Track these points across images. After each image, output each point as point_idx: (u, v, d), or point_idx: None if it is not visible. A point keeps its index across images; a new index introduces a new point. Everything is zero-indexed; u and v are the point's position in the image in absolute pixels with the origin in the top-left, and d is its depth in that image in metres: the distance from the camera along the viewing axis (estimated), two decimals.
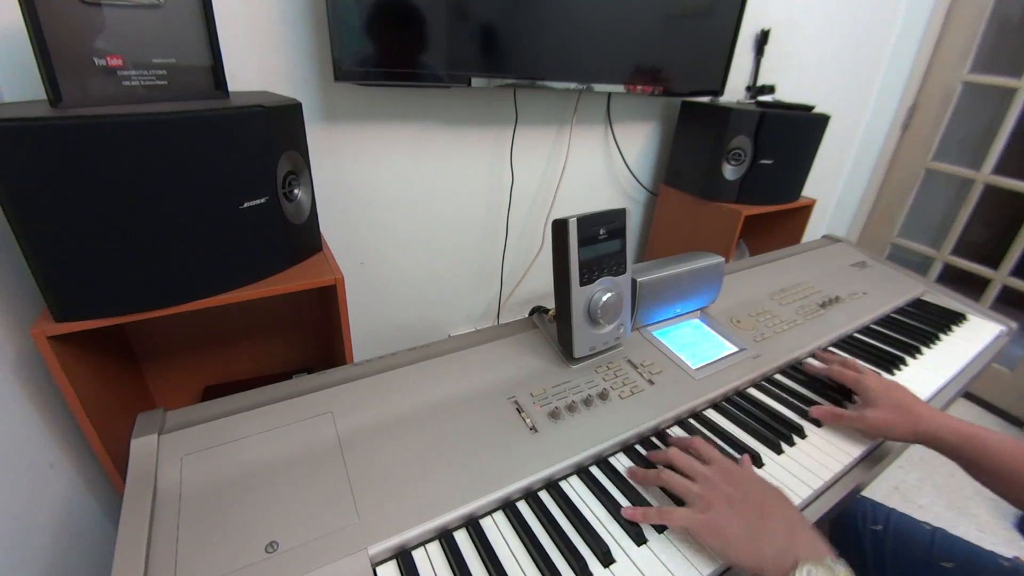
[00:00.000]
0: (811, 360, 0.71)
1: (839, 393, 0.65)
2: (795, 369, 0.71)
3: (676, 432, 0.58)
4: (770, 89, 1.46)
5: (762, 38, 1.46)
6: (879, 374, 0.64)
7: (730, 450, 0.55)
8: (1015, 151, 1.70)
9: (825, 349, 0.76)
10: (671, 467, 0.49)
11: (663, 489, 0.49)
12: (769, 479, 0.52)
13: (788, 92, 1.59)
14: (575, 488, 0.50)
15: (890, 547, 0.65)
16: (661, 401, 0.60)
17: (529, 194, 1.31)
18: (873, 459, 0.58)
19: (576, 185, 1.37)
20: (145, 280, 0.60)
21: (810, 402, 0.63)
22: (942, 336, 0.82)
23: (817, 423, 0.61)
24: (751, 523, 0.41)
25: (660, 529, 0.46)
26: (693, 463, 0.48)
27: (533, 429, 0.54)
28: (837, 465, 0.55)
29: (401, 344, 0.67)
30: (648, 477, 0.49)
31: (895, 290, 0.94)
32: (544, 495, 0.49)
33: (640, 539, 0.45)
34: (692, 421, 0.60)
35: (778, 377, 0.69)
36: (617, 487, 0.50)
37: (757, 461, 0.54)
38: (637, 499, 0.49)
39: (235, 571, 0.38)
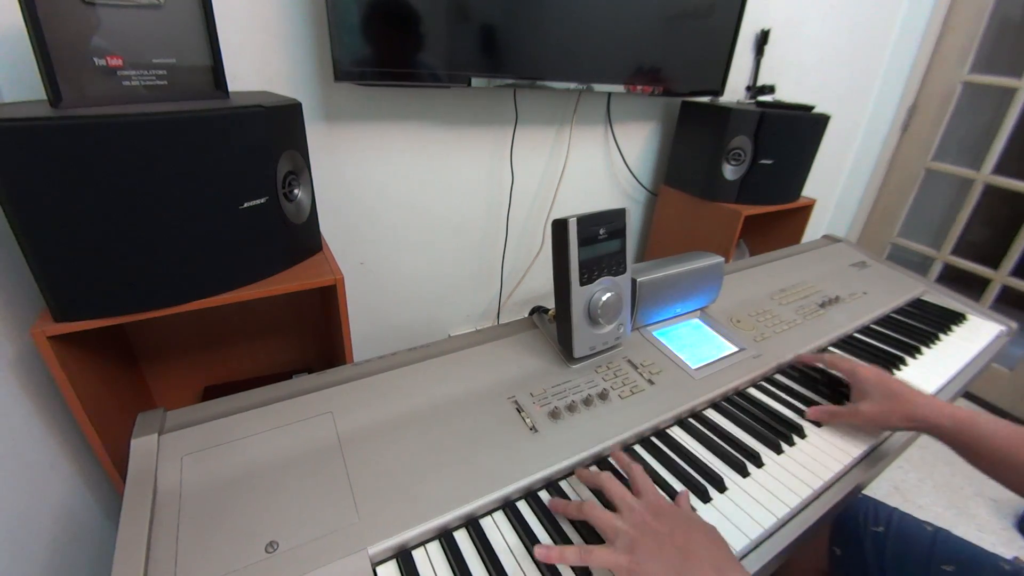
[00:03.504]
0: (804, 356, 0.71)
1: (837, 394, 0.65)
2: (795, 369, 0.71)
3: (676, 433, 0.58)
4: (770, 89, 1.46)
5: (762, 38, 1.46)
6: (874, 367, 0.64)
7: (732, 451, 0.56)
8: (1015, 151, 1.70)
9: (824, 350, 0.76)
10: (602, 491, 0.46)
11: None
12: (769, 479, 0.52)
13: (788, 92, 1.59)
14: (575, 488, 0.50)
15: (891, 549, 0.65)
16: (661, 401, 0.60)
17: (529, 194, 1.31)
18: (873, 459, 0.58)
19: (576, 185, 1.37)
20: (145, 280, 0.60)
21: (810, 402, 0.64)
22: (942, 336, 0.82)
23: (816, 424, 0.61)
24: (677, 569, 0.38)
25: None
26: (625, 494, 0.44)
27: (533, 429, 0.54)
28: (837, 465, 0.55)
29: (401, 344, 0.67)
30: (569, 509, 0.45)
31: (895, 290, 0.94)
32: (544, 495, 0.49)
33: None
34: (692, 421, 0.60)
35: (778, 377, 0.69)
36: None
37: (757, 461, 0.54)
38: None
39: (235, 571, 0.38)
